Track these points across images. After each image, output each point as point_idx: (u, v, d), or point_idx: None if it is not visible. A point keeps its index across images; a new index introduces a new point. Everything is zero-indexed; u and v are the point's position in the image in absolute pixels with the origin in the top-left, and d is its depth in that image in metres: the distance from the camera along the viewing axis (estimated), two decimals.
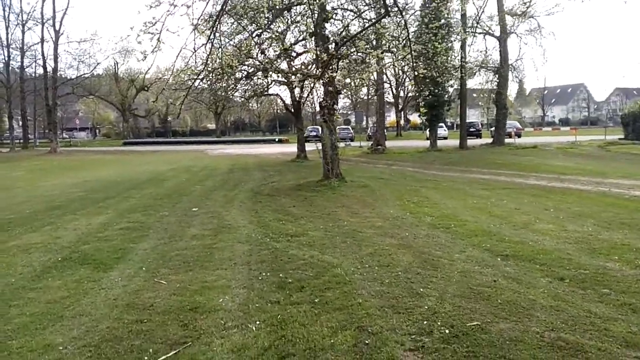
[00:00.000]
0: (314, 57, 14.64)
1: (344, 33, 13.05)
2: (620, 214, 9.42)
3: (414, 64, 11.16)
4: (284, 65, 19.65)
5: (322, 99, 14.20)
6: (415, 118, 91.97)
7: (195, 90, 22.65)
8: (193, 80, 10.08)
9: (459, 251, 6.94)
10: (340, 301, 5.00)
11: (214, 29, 7.15)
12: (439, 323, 4.41)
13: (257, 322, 4.54)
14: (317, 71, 13.21)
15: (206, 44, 7.67)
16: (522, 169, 19.11)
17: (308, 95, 26.58)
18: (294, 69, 15.40)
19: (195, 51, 7.61)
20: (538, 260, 6.39)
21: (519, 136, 41.03)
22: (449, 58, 27.18)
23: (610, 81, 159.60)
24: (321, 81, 14.84)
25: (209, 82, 20.24)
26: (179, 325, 4.55)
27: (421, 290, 5.28)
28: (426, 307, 4.77)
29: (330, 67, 13.63)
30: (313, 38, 14.05)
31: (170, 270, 6.33)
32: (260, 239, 7.95)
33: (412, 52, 9.75)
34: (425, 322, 4.42)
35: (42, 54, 46.19)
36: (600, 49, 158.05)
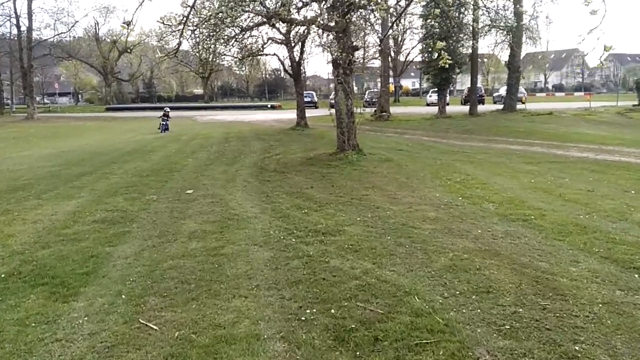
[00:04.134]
0: (326, 6, 12.31)
1: None
2: None
3: None
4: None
5: (336, 56, 11.92)
6: (406, 84, 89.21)
7: (181, 53, 20.11)
8: (181, 29, 7.72)
9: (570, 261, 4.93)
10: None
11: None
12: None
13: None
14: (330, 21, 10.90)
15: None
16: (552, 138, 17.10)
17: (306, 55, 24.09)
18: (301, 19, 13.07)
19: None
20: None
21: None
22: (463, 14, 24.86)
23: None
24: (333, 35, 12.57)
25: (196, 40, 17.74)
26: None
27: (575, 348, 3.26)
28: None
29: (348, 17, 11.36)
30: None
31: (163, 298, 4.25)
32: (283, 239, 5.87)
33: None
34: None
35: (15, 11, 42.53)
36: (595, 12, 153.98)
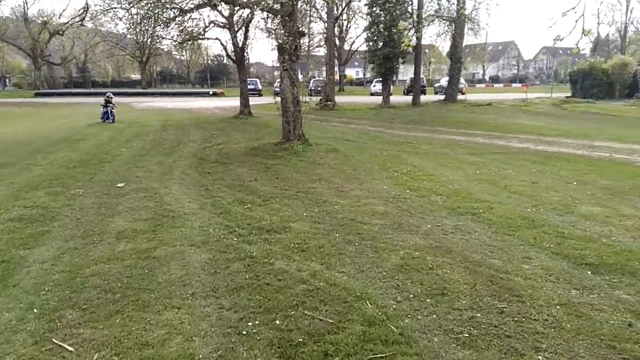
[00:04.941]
0: None
1: None
2: None
3: None
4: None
5: (282, 41, 11.42)
6: (350, 73, 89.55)
7: (116, 35, 18.94)
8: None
9: (522, 258, 4.79)
10: None
11: None
12: None
13: None
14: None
15: None
16: (493, 129, 17.40)
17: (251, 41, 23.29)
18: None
19: None
20: None
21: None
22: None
23: (538, 39, 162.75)
24: (279, 19, 12.07)
25: (132, 21, 16.73)
26: None
27: (538, 358, 3.05)
28: None
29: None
30: None
31: (82, 311, 3.71)
32: (223, 238, 5.42)
33: None
34: None
35: None
36: (529, 5, 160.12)
